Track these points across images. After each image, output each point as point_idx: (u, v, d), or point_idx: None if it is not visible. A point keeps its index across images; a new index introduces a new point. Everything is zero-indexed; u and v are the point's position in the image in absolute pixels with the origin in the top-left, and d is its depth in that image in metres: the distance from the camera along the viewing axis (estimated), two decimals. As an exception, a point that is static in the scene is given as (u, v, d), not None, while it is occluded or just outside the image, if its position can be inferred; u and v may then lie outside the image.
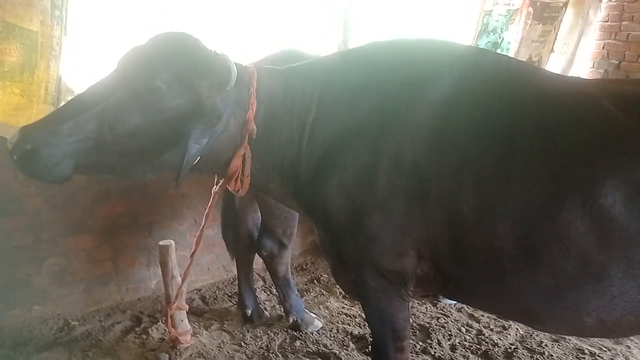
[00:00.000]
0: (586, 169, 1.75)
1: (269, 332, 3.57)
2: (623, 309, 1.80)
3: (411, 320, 3.61)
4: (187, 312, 3.21)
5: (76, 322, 3.56)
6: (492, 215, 1.85)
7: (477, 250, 1.92)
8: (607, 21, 5.93)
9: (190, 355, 3.22)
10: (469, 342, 3.49)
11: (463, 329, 3.62)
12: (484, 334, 3.56)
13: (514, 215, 1.82)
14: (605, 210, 1.70)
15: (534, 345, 3.45)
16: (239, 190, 2.21)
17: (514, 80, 2.02)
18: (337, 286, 3.62)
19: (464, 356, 3.35)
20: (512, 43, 5.71)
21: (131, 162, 1.99)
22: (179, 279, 3.05)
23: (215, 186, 2.37)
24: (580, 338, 3.45)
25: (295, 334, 3.54)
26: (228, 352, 3.32)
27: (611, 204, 1.69)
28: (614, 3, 5.87)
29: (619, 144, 1.75)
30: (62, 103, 3.04)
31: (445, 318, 3.74)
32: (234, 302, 3.90)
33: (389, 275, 2.12)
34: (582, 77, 4.74)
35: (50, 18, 2.92)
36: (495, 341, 3.49)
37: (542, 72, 2.36)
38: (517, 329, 3.61)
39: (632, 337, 3.49)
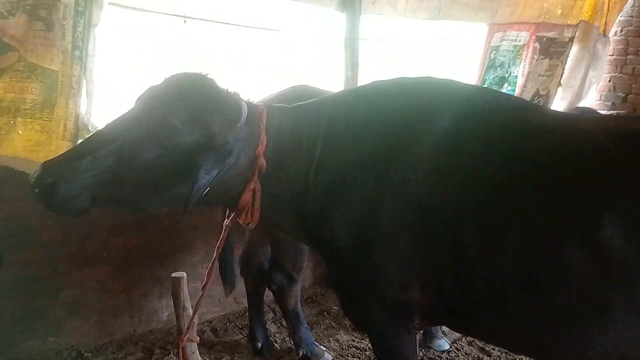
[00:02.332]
0: (584, 203, 1.79)
1: (279, 364, 3.58)
2: (628, 344, 1.80)
3: (421, 354, 3.61)
4: (198, 344, 3.24)
5: (89, 354, 3.60)
6: (494, 248, 1.90)
7: (480, 284, 1.96)
8: (613, 55, 6.02)
9: (201, 387, 3.23)
10: (480, 376, 3.46)
11: (473, 363, 3.60)
12: (494, 368, 3.54)
13: (515, 248, 1.87)
14: (604, 243, 1.73)
15: (545, 379, 3.41)
16: (249, 223, 2.27)
17: (513, 118, 2.09)
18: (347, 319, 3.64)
19: (474, 390, 3.33)
20: (519, 77, 5.80)
21: (146, 195, 2.08)
22: (191, 311, 3.08)
23: (226, 219, 2.43)
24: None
25: (306, 367, 3.54)
26: (238, 385, 3.34)
27: (610, 238, 1.72)
28: (619, 37, 5.98)
29: (614, 179, 1.80)
30: (80, 140, 3.15)
31: (456, 352, 3.72)
32: (245, 335, 3.93)
33: (394, 307, 2.16)
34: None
35: (70, 58, 3.04)
36: (506, 375, 3.47)
37: (540, 109, 2.44)
38: (527, 362, 3.58)
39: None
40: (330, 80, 4.47)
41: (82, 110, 3.18)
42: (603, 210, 1.75)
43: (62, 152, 2.93)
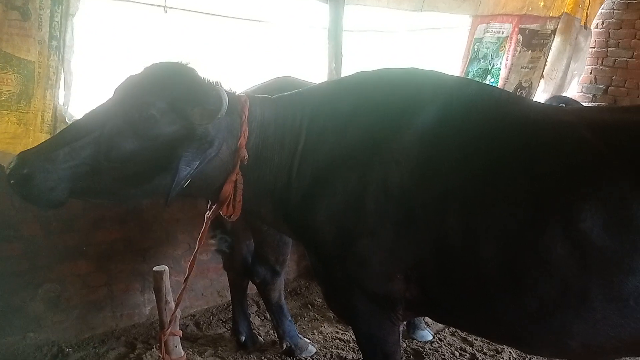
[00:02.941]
0: (565, 194, 1.80)
1: (262, 358, 3.57)
2: (607, 333, 1.82)
3: (405, 345, 3.63)
4: (181, 338, 3.20)
5: (70, 349, 3.56)
6: (476, 240, 1.90)
7: (462, 274, 1.97)
8: (594, 47, 6.08)
9: (184, 381, 3.21)
10: (463, 366, 3.49)
11: (457, 353, 3.62)
12: (477, 358, 3.56)
13: (497, 240, 1.87)
14: (585, 234, 1.74)
15: (528, 369, 3.46)
16: (231, 215, 2.25)
17: (497, 109, 2.09)
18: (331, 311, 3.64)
19: (457, 380, 3.35)
20: (502, 69, 5.84)
21: (125, 186, 2.05)
22: (173, 305, 3.05)
23: (208, 211, 2.41)
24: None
25: (289, 359, 3.53)
26: (222, 378, 3.32)
27: (590, 229, 1.74)
28: (600, 30, 6.04)
29: (594, 170, 1.81)
30: (58, 131, 3.10)
31: (439, 342, 3.74)
32: (228, 328, 3.91)
33: (378, 299, 2.16)
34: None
35: (47, 48, 2.99)
36: (489, 365, 3.50)
37: (522, 101, 2.45)
38: (510, 352, 3.61)
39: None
40: (314, 72, 4.44)
41: (60, 101, 3.13)
42: (583, 201, 1.76)
43: (39, 144, 2.90)
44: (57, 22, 3.00)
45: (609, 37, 6.02)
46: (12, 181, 1.88)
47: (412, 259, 2.03)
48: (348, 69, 4.14)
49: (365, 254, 2.09)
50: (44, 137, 3.03)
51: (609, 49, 6.04)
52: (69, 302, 3.65)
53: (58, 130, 3.03)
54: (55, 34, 3.00)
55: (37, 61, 2.98)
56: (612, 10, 5.98)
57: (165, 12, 3.70)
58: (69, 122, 3.05)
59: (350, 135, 2.13)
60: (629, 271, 1.72)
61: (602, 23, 6.07)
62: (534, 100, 5.59)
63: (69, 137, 1.97)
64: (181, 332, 3.11)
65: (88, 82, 3.43)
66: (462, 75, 5.46)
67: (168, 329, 2.97)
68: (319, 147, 2.17)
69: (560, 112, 2.23)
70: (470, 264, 1.93)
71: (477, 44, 5.50)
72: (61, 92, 3.11)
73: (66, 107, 3.14)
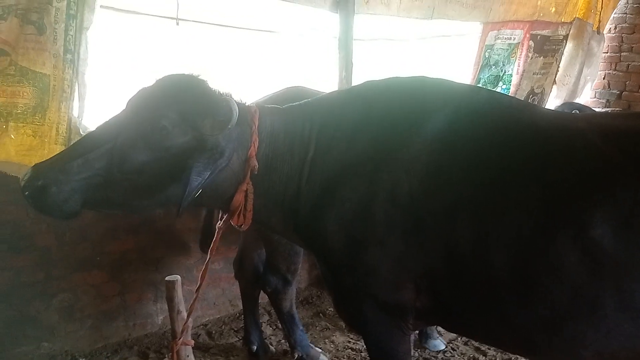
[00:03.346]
0: (576, 202, 1.79)
1: (274, 367, 3.57)
2: (619, 343, 1.80)
3: (417, 354, 3.60)
4: (193, 348, 3.21)
5: (84, 359, 3.58)
6: (487, 248, 1.89)
7: (473, 283, 1.95)
8: (607, 52, 6.03)
9: (196, 391, 3.22)
10: (476, 376, 3.46)
11: (470, 363, 3.59)
12: (491, 367, 3.54)
13: (508, 248, 1.86)
14: (596, 241, 1.72)
15: (542, 378, 3.41)
16: (242, 224, 2.26)
17: (506, 117, 2.08)
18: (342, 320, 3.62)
19: (471, 390, 3.32)
20: (514, 76, 5.81)
21: (138, 197, 2.07)
22: (185, 314, 3.06)
23: (219, 221, 2.42)
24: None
25: (301, 369, 3.53)
26: (234, 388, 3.32)
27: (601, 236, 1.72)
28: (613, 35, 5.99)
29: (606, 177, 1.79)
30: (72, 143, 3.14)
31: (452, 352, 3.71)
32: (240, 337, 3.91)
33: (388, 308, 2.15)
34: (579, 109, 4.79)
35: (62, 62, 3.03)
36: (503, 374, 3.46)
37: (533, 107, 2.44)
38: (524, 361, 3.57)
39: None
40: (325, 81, 4.46)
41: (75, 113, 3.16)
42: (594, 209, 1.75)
43: (53, 156, 2.93)
44: (72, 35, 3.04)
45: (622, 41, 5.97)
46: (26, 193, 1.91)
47: (422, 267, 2.02)
48: (359, 78, 4.15)
49: (375, 263, 2.08)
50: (58, 149, 3.07)
51: (622, 53, 5.99)
52: (83, 311, 3.68)
53: (72, 142, 3.08)
54: (70, 47, 3.04)
55: (52, 74, 3.02)
56: (624, 15, 5.93)
57: (177, 24, 3.75)
58: (83, 134, 3.09)
59: (359, 144, 2.13)
60: (639, 279, 1.70)
61: (615, 28, 6.02)
62: (545, 107, 5.58)
63: (82, 149, 2.00)
64: (193, 342, 3.12)
65: (102, 94, 3.47)
66: (474, 82, 5.45)
67: (180, 338, 2.98)
68: (328, 156, 2.18)
69: (571, 118, 2.22)
70: (481, 272, 1.92)
71: (488, 50, 5.48)
72: (75, 104, 3.14)
73: (80, 119, 3.18)
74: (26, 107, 3.02)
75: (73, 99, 3.14)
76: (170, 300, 3.12)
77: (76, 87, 3.13)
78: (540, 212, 1.83)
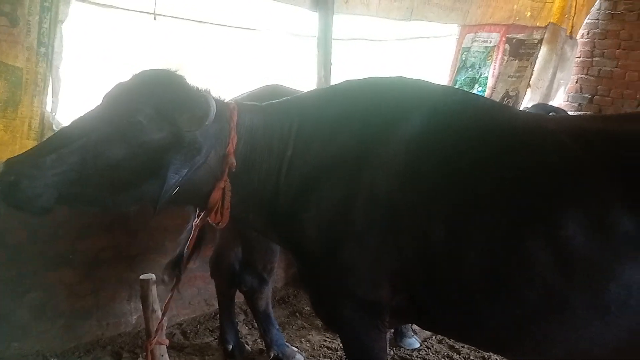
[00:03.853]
0: (547, 201, 1.83)
1: (250, 366, 3.55)
2: (590, 341, 1.84)
3: (392, 352, 3.63)
4: (167, 347, 3.17)
5: (55, 359, 3.51)
6: (460, 246, 1.92)
7: (447, 281, 1.98)
8: (580, 57, 6.17)
9: (171, 390, 3.19)
10: (451, 374, 3.49)
11: (444, 361, 3.63)
12: (465, 366, 3.58)
13: (480, 246, 1.89)
14: (567, 241, 1.76)
15: (515, 376, 3.46)
16: (219, 222, 2.24)
17: (481, 117, 2.11)
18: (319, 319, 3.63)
19: (445, 388, 3.35)
20: (490, 78, 5.90)
21: (113, 193, 2.03)
22: (160, 313, 3.03)
23: (196, 219, 2.40)
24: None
25: (277, 368, 3.52)
26: (209, 387, 3.30)
27: (572, 235, 1.75)
28: (586, 40, 6.13)
29: (576, 177, 1.83)
30: (46, 138, 3.07)
31: (426, 350, 3.75)
32: (215, 337, 3.88)
33: (364, 306, 2.16)
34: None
35: (35, 55, 2.97)
36: (476, 372, 3.51)
37: (507, 109, 2.48)
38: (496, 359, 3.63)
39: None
40: (304, 80, 4.46)
41: (48, 108, 3.10)
42: (565, 208, 1.78)
43: (26, 151, 2.87)
44: (46, 28, 2.98)
45: (594, 47, 6.12)
46: None
47: (398, 266, 2.04)
48: (337, 77, 4.16)
49: (352, 260, 2.09)
50: (31, 144, 3.00)
51: (594, 58, 6.14)
52: (55, 310, 3.60)
53: (45, 138, 3.02)
54: (44, 40, 2.98)
55: (25, 68, 2.96)
56: (597, 21, 6.08)
57: (155, 19, 3.70)
58: (57, 129, 3.03)
59: (337, 142, 2.14)
60: (609, 277, 1.74)
61: (588, 33, 6.17)
62: (518, 109, 5.68)
63: (56, 143, 1.96)
64: (168, 341, 3.09)
65: (76, 88, 3.41)
66: (450, 84, 5.52)
67: (154, 338, 2.95)
68: (306, 154, 2.18)
69: (543, 120, 2.26)
70: (454, 270, 1.95)
71: (465, 53, 5.56)
72: (49, 99, 3.08)
73: (54, 113, 3.12)
74: None
75: (47, 94, 3.08)
76: (145, 299, 3.07)
77: (50, 82, 3.08)
78: (512, 211, 1.86)
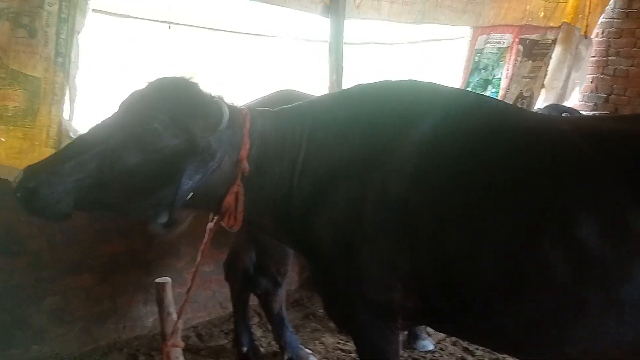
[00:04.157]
0: (561, 202, 1.83)
1: (265, 369, 3.58)
2: (605, 342, 1.83)
3: (406, 354, 3.63)
4: (183, 350, 3.22)
5: (73, 361, 3.58)
6: (474, 248, 1.92)
7: (461, 283, 1.98)
8: (595, 56, 6.11)
9: (187, 392, 3.23)
10: (465, 376, 3.49)
11: (458, 363, 3.63)
12: (479, 368, 3.57)
13: (495, 248, 1.89)
14: (581, 241, 1.76)
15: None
16: (233, 226, 2.27)
17: (493, 119, 2.12)
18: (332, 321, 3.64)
19: (460, 390, 3.35)
20: (503, 79, 5.87)
21: (129, 199, 2.08)
22: (175, 316, 3.07)
23: (210, 223, 2.44)
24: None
25: (292, 370, 3.54)
26: (224, 390, 3.33)
27: (586, 236, 1.76)
28: (600, 39, 6.07)
29: (591, 178, 1.83)
30: (64, 145, 3.13)
31: (440, 352, 3.75)
32: (230, 339, 3.92)
33: (378, 308, 2.17)
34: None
35: (53, 65, 3.03)
36: (491, 375, 3.49)
37: (520, 111, 2.47)
38: (512, 362, 3.61)
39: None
40: (316, 84, 4.49)
41: (65, 116, 3.17)
42: (579, 209, 1.79)
43: (45, 159, 2.92)
44: (63, 39, 3.05)
45: (609, 46, 6.05)
46: (18, 194, 1.91)
47: (412, 268, 2.05)
48: (349, 81, 4.18)
49: (365, 264, 2.11)
50: (49, 152, 3.07)
51: (609, 57, 6.07)
52: (73, 314, 3.67)
53: (63, 145, 3.08)
54: (61, 50, 3.05)
55: (43, 77, 3.03)
56: (612, 20, 6.01)
57: (169, 27, 3.77)
58: (73, 137, 3.09)
59: (350, 146, 2.16)
60: (625, 278, 1.74)
61: (602, 32, 6.10)
62: (531, 110, 5.64)
63: (74, 150, 2.01)
64: (183, 344, 3.13)
65: (93, 96, 3.48)
66: (464, 86, 5.50)
67: (170, 340, 2.99)
68: (319, 158, 2.20)
69: (557, 121, 2.26)
70: (468, 272, 1.95)
71: (477, 54, 5.54)
72: (66, 107, 3.15)
73: (70, 121, 3.19)
74: (17, 110, 3.01)
75: (64, 102, 3.14)
76: (160, 302, 3.12)
77: (67, 90, 3.14)
78: (525, 213, 1.87)
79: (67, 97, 3.14)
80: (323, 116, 2.28)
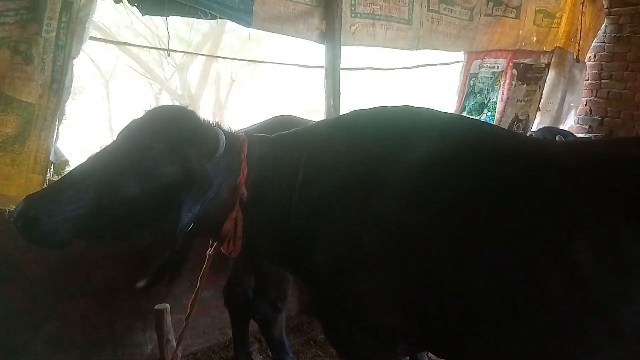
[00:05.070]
0: (557, 227, 1.84)
1: (265, 395, 3.54)
2: None
3: (407, 380, 3.59)
4: (182, 377, 3.20)
5: (71, 390, 3.53)
6: (470, 273, 1.93)
7: (459, 309, 1.98)
8: (588, 79, 6.19)
9: (186, 421, 3.19)
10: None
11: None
12: (481, 393, 3.52)
13: (490, 273, 1.90)
14: (577, 267, 1.77)
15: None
16: (232, 252, 2.28)
17: (488, 144, 2.14)
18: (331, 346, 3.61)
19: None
20: (499, 103, 5.94)
21: (128, 227, 2.09)
22: (174, 343, 3.06)
23: (209, 249, 2.44)
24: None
25: (292, 397, 3.51)
26: (223, 418, 3.29)
27: (582, 261, 1.76)
28: (593, 63, 6.16)
29: (585, 204, 1.84)
30: (50, 172, 3.14)
31: (442, 377, 3.71)
32: (230, 366, 3.88)
33: (377, 334, 2.16)
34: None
35: (48, 91, 3.03)
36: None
37: (515, 135, 2.50)
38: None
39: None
40: (313, 110, 4.53)
41: (53, 141, 3.16)
42: (574, 234, 1.79)
43: (32, 186, 2.93)
44: (59, 65, 3.05)
45: (602, 69, 6.14)
46: (18, 224, 1.92)
47: (409, 292, 2.05)
48: (346, 107, 4.22)
49: (363, 289, 2.11)
50: (36, 178, 3.05)
51: (602, 81, 6.15)
52: (71, 341, 3.63)
53: (50, 171, 3.08)
54: (57, 77, 3.05)
55: (37, 103, 3.02)
56: (603, 44, 6.11)
57: (169, 55, 3.83)
58: (58, 162, 3.09)
59: (346, 170, 2.18)
60: (623, 302, 1.74)
61: (595, 56, 6.20)
62: (525, 134, 5.69)
63: (73, 180, 2.02)
64: (182, 371, 3.10)
65: (93, 123, 3.51)
66: (459, 110, 5.57)
67: (169, 367, 2.97)
68: (316, 183, 2.22)
69: (552, 146, 2.28)
70: (464, 296, 1.95)
71: (472, 79, 5.61)
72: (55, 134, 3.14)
73: (55, 146, 3.18)
74: (7, 136, 3.01)
75: (54, 128, 3.13)
76: (159, 329, 3.12)
77: (57, 116, 3.13)
78: (521, 237, 1.88)
79: (57, 123, 3.14)
80: (320, 142, 2.30)
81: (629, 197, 1.81)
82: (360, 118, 2.39)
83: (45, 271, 3.51)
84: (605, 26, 6.06)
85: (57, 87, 3.07)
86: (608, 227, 1.79)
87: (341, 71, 4.28)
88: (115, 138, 2.15)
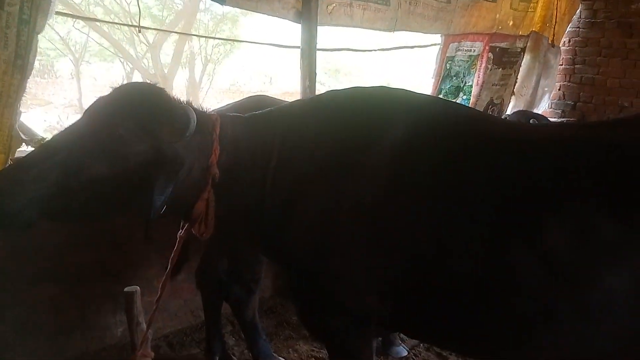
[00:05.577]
0: (532, 208, 1.83)
1: (237, 378, 3.52)
2: (578, 349, 1.84)
3: (380, 361, 3.62)
4: (153, 360, 3.16)
5: (39, 374, 3.46)
6: (446, 255, 1.92)
7: (434, 290, 1.98)
8: (562, 64, 6.25)
9: (157, 404, 3.15)
10: (439, 382, 3.49)
11: (432, 369, 3.63)
12: (453, 373, 3.58)
13: (466, 254, 1.89)
14: (552, 248, 1.77)
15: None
16: (204, 233, 2.24)
17: (463, 126, 2.13)
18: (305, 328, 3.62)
19: (433, 396, 3.35)
20: (474, 87, 5.95)
21: (97, 208, 2.03)
22: (144, 326, 3.01)
23: (180, 230, 2.40)
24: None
25: (265, 379, 3.50)
26: (196, 400, 3.27)
27: (557, 243, 1.76)
28: (567, 48, 6.22)
29: (559, 185, 1.84)
30: (13, 151, 3.03)
31: (414, 358, 3.75)
32: (202, 349, 3.85)
33: (352, 315, 2.16)
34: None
35: (12, 67, 2.91)
36: (464, 380, 3.51)
37: (489, 117, 2.50)
38: (485, 367, 3.63)
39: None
40: (289, 90, 4.48)
41: (16, 119, 3.05)
42: (547, 216, 1.79)
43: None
44: (24, 40, 2.94)
45: (576, 54, 6.20)
46: None
47: (385, 274, 2.04)
48: (322, 87, 4.17)
49: (339, 270, 2.09)
50: (-1, 156, 2.96)
51: (575, 66, 6.22)
52: (38, 326, 3.55)
53: (12, 149, 2.98)
54: (21, 52, 2.93)
55: (1, 80, 2.91)
56: (577, 29, 6.16)
57: (140, 31, 3.72)
58: (34, 141, 2.99)
59: (321, 152, 2.14)
60: (592, 284, 1.75)
61: (569, 41, 6.25)
62: (500, 117, 5.74)
63: (37, 158, 1.95)
64: (153, 354, 3.06)
65: (62, 100, 3.39)
66: (435, 93, 5.56)
67: (139, 350, 2.92)
68: (291, 165, 2.18)
69: (525, 129, 2.28)
70: (440, 278, 1.95)
71: (449, 62, 5.61)
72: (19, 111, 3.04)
73: (26, 126, 3.07)
74: None
75: (18, 105, 3.03)
76: (129, 311, 3.05)
77: (20, 93, 3.02)
78: (497, 218, 1.87)
79: (19, 100, 3.03)
80: (295, 123, 2.26)
81: (601, 179, 1.82)
82: (335, 98, 2.35)
83: (12, 254, 3.40)
84: (580, 11, 6.11)
85: (21, 63, 2.94)
86: (580, 209, 1.79)
87: (317, 52, 4.22)
88: (82, 116, 2.07)
